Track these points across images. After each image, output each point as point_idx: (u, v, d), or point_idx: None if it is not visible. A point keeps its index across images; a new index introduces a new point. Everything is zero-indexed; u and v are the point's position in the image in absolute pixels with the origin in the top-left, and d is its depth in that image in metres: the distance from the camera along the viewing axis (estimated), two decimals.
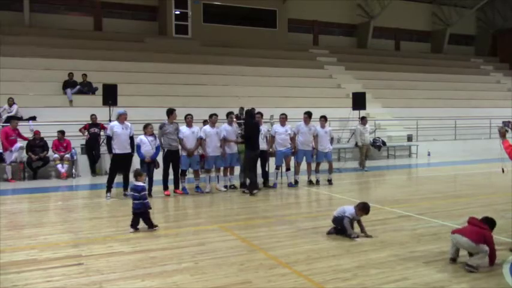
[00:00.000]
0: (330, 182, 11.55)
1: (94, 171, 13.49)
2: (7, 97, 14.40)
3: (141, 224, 7.03)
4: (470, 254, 5.27)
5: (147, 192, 7.23)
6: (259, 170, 10.94)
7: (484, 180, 12.54)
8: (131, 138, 9.85)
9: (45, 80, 17.12)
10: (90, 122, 13.59)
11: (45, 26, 21.07)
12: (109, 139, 9.73)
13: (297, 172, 11.44)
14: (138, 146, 9.77)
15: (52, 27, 21.02)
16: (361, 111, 17.30)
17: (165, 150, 10.10)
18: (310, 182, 11.51)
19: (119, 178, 10.03)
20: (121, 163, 9.78)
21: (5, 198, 10.19)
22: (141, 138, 9.79)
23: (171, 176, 10.23)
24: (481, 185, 11.74)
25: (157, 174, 10.01)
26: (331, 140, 11.83)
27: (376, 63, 25.67)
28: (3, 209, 8.82)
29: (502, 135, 6.14)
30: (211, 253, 5.88)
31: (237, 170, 11.29)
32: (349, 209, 6.59)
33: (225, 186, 10.86)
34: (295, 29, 26.79)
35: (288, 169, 11.34)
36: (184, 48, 21.89)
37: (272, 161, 11.45)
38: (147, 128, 9.91)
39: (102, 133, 13.47)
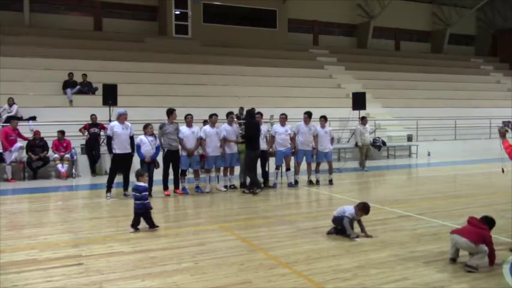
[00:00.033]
0: (330, 182, 11.55)
1: (94, 171, 13.49)
2: (7, 97, 14.40)
3: (142, 224, 7.03)
4: (471, 254, 5.27)
5: (148, 193, 7.22)
6: (259, 170, 10.94)
7: (484, 180, 12.54)
8: (131, 138, 9.86)
9: (45, 80, 17.12)
10: (90, 122, 13.59)
11: (45, 26, 21.07)
12: (109, 139, 9.73)
13: (297, 172, 11.44)
14: (138, 146, 9.77)
15: (52, 27, 21.03)
16: (361, 111, 17.30)
17: (165, 150, 10.10)
18: (310, 182, 11.51)
19: (119, 178, 10.03)
20: (121, 163, 9.77)
21: (5, 198, 10.19)
22: (141, 138, 9.79)
23: (171, 176, 10.23)
24: (481, 185, 11.74)
25: (157, 174, 10.01)
26: (332, 140, 11.83)
27: (376, 63, 25.67)
28: (3, 209, 8.82)
29: (502, 135, 6.14)
30: (211, 253, 5.88)
31: (237, 170, 11.29)
32: (349, 209, 6.59)
33: (225, 186, 10.86)
34: (295, 29, 26.79)
35: (288, 169, 11.34)
36: (184, 48, 21.89)
37: (272, 161, 11.45)
38: (147, 128, 9.91)
39: (102, 133, 13.47)
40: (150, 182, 9.68)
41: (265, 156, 11.11)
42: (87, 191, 11.60)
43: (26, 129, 13.39)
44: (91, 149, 13.46)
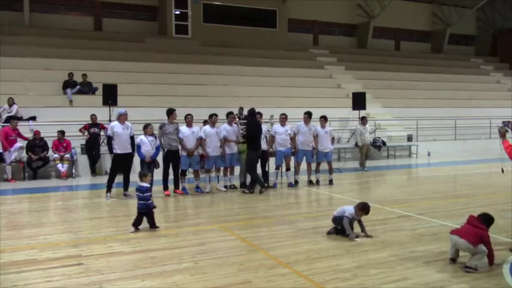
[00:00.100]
0: (330, 182, 11.55)
1: (94, 171, 13.49)
2: (7, 97, 14.41)
3: (142, 224, 7.03)
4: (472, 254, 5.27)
5: (151, 193, 7.22)
6: (259, 170, 10.93)
7: (484, 180, 12.54)
8: (132, 138, 9.86)
9: (45, 80, 17.13)
10: (90, 122, 13.59)
11: (45, 26, 21.08)
12: (109, 139, 9.73)
13: (297, 172, 11.44)
14: (138, 146, 9.76)
15: (52, 27, 21.03)
16: (361, 111, 17.31)
17: (165, 150, 10.10)
18: (310, 182, 11.51)
19: (119, 178, 10.03)
20: (122, 163, 9.77)
21: (5, 198, 10.19)
22: (141, 138, 9.79)
23: (171, 176, 10.23)
24: (481, 185, 11.74)
25: (157, 174, 10.00)
26: (332, 140, 11.83)
27: (376, 63, 25.68)
28: (3, 209, 8.82)
29: (502, 135, 6.14)
30: (211, 253, 5.88)
31: (237, 170, 11.29)
32: (349, 209, 6.59)
33: (225, 186, 10.86)
34: (295, 29, 26.79)
35: (288, 169, 11.34)
36: (184, 48, 21.89)
37: (272, 161, 11.45)
38: (147, 128, 9.91)
39: (102, 133, 13.47)
40: (150, 182, 9.67)
41: (265, 156, 11.10)
42: (87, 191, 11.60)
43: (26, 129, 13.39)
44: (91, 149, 13.46)
